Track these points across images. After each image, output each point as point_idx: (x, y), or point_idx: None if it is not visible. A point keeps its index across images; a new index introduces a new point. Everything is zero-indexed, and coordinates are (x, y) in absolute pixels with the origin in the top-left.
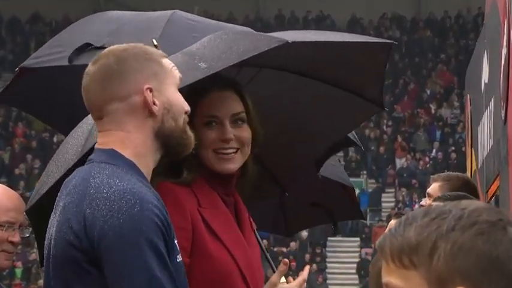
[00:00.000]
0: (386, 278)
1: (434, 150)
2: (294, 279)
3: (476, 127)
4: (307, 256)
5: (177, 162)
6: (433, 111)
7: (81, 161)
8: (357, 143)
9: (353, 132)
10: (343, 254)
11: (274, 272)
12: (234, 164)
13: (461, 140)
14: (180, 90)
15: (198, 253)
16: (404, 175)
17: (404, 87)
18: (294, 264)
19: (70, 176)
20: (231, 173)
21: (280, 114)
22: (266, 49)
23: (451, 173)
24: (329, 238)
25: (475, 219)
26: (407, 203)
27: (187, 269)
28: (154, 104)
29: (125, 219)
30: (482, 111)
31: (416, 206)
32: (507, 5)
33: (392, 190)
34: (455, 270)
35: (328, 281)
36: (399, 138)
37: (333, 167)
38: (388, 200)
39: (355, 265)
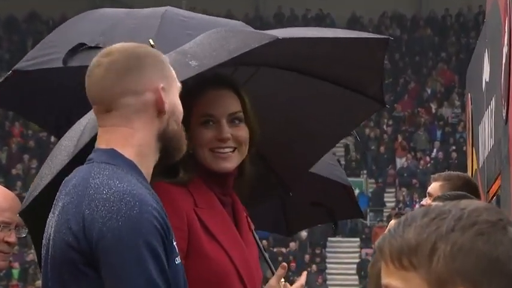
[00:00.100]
0: (386, 280)
1: (435, 150)
2: (290, 284)
3: (477, 126)
4: (307, 257)
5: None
6: (433, 110)
7: (73, 162)
8: (353, 134)
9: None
10: (343, 254)
11: (272, 272)
12: (230, 162)
13: (462, 139)
14: None
15: (194, 253)
16: (405, 175)
17: (405, 86)
18: (293, 264)
19: (69, 176)
20: (228, 173)
21: (281, 114)
22: (256, 46)
23: (451, 172)
24: (329, 238)
25: (474, 219)
26: (408, 203)
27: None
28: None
29: (124, 221)
30: (483, 110)
31: (417, 206)
32: (508, 4)
33: (393, 190)
34: (456, 271)
35: (328, 282)
36: (399, 138)
37: (332, 167)
38: (388, 200)
39: (355, 266)
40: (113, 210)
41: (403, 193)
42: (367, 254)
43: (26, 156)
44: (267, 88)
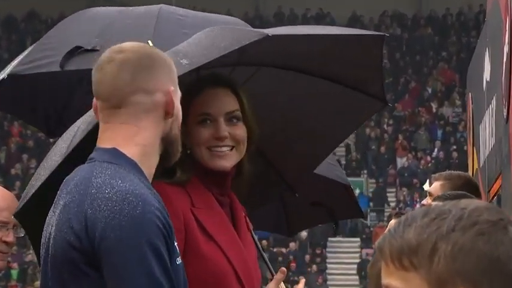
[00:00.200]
0: (386, 280)
1: (435, 150)
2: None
3: (478, 126)
4: (307, 257)
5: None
6: (434, 109)
7: (67, 163)
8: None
9: None
10: (344, 254)
11: (271, 272)
12: (227, 161)
13: (462, 139)
14: None
15: (191, 253)
16: (406, 174)
17: (405, 85)
18: (293, 265)
19: (70, 175)
20: (226, 172)
21: (283, 113)
22: (247, 43)
23: (452, 171)
24: (329, 238)
25: (475, 219)
26: (409, 202)
27: None
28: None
29: (127, 221)
30: (484, 109)
31: (418, 205)
32: (509, 3)
33: (393, 190)
34: (456, 272)
35: (328, 282)
36: (400, 137)
37: (332, 167)
38: (390, 199)
39: (355, 266)
40: (115, 209)
41: (404, 193)
42: (367, 254)
43: (24, 156)
44: (267, 88)
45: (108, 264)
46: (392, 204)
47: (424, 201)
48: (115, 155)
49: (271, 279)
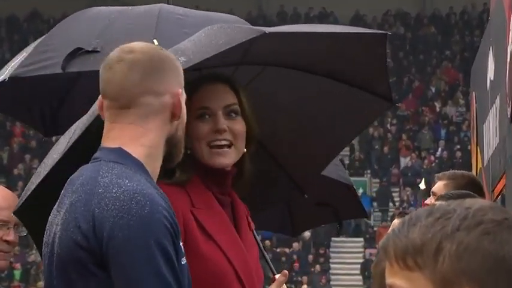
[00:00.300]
0: (390, 280)
1: (439, 149)
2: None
3: (482, 125)
4: (311, 257)
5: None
6: (438, 109)
7: (65, 162)
8: None
9: None
10: (347, 254)
11: (273, 272)
12: (226, 158)
13: (466, 138)
14: None
15: (190, 254)
16: (409, 174)
17: (409, 84)
18: (297, 265)
19: (75, 174)
20: (226, 171)
21: (292, 114)
22: (244, 40)
23: (456, 171)
24: (333, 238)
25: (480, 218)
26: (412, 202)
27: None
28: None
29: (135, 220)
30: (488, 108)
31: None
32: None
33: (397, 189)
34: (461, 271)
35: (331, 282)
36: (404, 137)
37: (336, 167)
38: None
39: (359, 266)
40: (123, 209)
41: (407, 193)
42: (371, 254)
43: (27, 156)
44: (274, 87)
45: (116, 263)
46: (396, 204)
47: (427, 201)
48: (121, 154)
49: (272, 280)
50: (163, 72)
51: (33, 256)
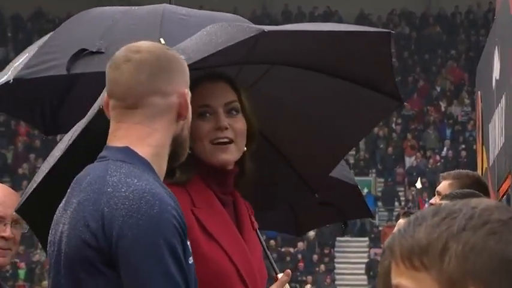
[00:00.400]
0: (396, 280)
1: (444, 149)
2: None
3: (487, 124)
4: (315, 256)
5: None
6: (443, 108)
7: (65, 158)
8: None
9: None
10: (352, 254)
11: (275, 272)
12: (229, 154)
13: (471, 138)
14: None
15: (192, 254)
16: (414, 174)
17: (414, 84)
18: (301, 264)
19: (81, 173)
20: (227, 169)
21: (300, 113)
22: (243, 39)
23: (461, 170)
24: (337, 238)
25: (486, 218)
26: (417, 202)
27: None
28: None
29: (144, 220)
30: (494, 108)
31: (426, 205)
32: None
33: (402, 189)
34: (467, 271)
35: (336, 282)
36: (409, 137)
37: (340, 167)
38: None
39: (363, 265)
40: (133, 208)
41: (412, 192)
42: (376, 254)
43: (32, 156)
44: (280, 87)
45: (125, 262)
46: (402, 204)
47: (432, 200)
48: (128, 154)
49: (275, 279)
50: (170, 72)
51: (38, 255)
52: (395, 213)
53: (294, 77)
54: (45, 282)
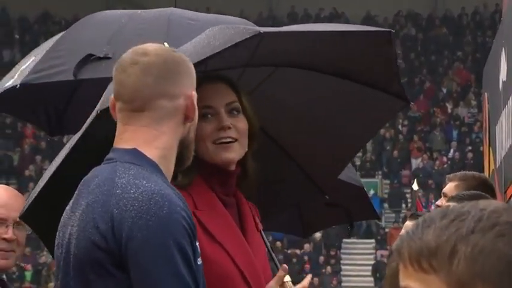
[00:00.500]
0: (404, 282)
1: (451, 150)
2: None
3: (494, 126)
4: (322, 258)
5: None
6: (449, 110)
7: (68, 161)
8: None
9: None
10: (358, 256)
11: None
12: (233, 153)
13: (478, 139)
14: None
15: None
16: (421, 175)
17: (420, 85)
18: (308, 266)
19: (89, 175)
20: (230, 170)
21: (308, 115)
22: (239, 41)
23: (467, 172)
24: (344, 240)
25: (495, 220)
26: (424, 204)
27: None
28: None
29: (154, 221)
30: (500, 110)
31: (433, 207)
32: None
33: (408, 191)
34: (476, 274)
35: (342, 284)
36: (415, 138)
37: (346, 168)
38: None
39: (370, 267)
40: (142, 209)
41: (419, 194)
42: (382, 256)
43: (38, 158)
44: (285, 89)
45: (135, 264)
46: (408, 205)
47: (438, 202)
48: (136, 155)
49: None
50: (177, 75)
51: (44, 257)
52: (401, 215)
53: (298, 78)
54: (52, 284)
